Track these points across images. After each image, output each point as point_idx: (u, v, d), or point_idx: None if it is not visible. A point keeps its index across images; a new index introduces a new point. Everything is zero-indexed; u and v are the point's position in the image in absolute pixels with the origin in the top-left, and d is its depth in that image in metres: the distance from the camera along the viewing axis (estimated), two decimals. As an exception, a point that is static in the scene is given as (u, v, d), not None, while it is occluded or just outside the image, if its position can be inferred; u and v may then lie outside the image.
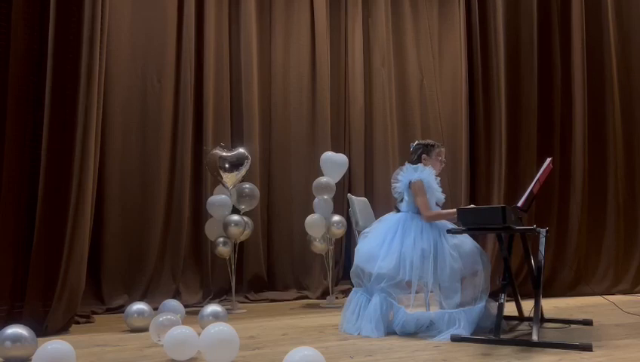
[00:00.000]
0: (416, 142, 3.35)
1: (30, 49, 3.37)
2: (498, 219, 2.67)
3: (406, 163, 3.28)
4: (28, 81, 3.37)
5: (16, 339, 2.55)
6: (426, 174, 3.15)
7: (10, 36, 3.31)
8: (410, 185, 3.14)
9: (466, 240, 3.05)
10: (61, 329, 3.27)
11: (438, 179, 3.24)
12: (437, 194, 3.19)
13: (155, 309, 3.55)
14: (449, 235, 3.01)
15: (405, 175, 3.18)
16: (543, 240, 2.89)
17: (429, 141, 3.34)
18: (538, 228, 2.88)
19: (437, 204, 3.22)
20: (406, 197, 3.19)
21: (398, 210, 3.24)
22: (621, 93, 4.62)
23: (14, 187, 3.29)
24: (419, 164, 3.21)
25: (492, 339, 2.69)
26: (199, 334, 2.48)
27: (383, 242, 3.08)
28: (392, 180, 3.26)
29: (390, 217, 3.24)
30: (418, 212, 3.13)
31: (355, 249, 3.24)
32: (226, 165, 4.11)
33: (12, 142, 3.29)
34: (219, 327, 2.40)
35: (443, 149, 3.32)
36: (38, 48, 3.38)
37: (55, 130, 3.31)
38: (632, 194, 4.57)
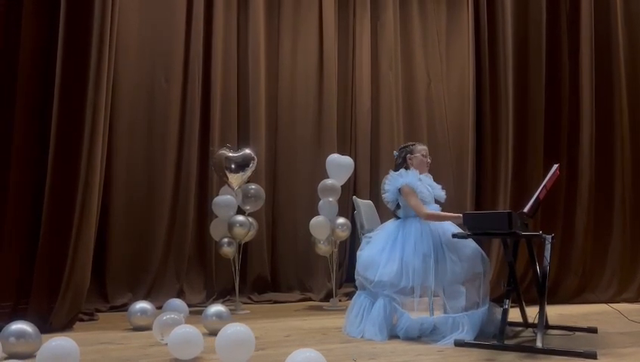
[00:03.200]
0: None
1: (39, 48, 3.40)
2: (504, 224, 2.67)
3: (390, 171, 3.33)
4: (37, 80, 3.39)
5: (20, 335, 2.56)
6: (411, 177, 3.18)
7: (21, 35, 3.33)
8: (399, 191, 3.17)
9: (467, 243, 3.05)
10: (65, 327, 3.28)
11: (429, 176, 3.28)
12: (436, 192, 3.23)
13: (159, 308, 3.56)
14: (449, 239, 3.00)
15: (391, 183, 3.22)
16: (548, 246, 2.88)
17: (407, 143, 3.46)
18: (544, 235, 2.87)
19: (437, 201, 3.24)
20: (401, 203, 3.21)
21: (398, 217, 3.26)
22: (629, 98, 4.59)
23: (21, 185, 3.32)
24: (401, 170, 3.26)
25: (496, 345, 2.68)
26: (202, 334, 2.49)
27: (383, 249, 3.09)
28: (381, 191, 3.30)
29: (390, 224, 3.27)
30: (415, 215, 3.14)
31: (357, 255, 3.26)
32: (232, 166, 4.12)
33: (20, 140, 3.32)
34: (236, 328, 2.40)
35: (425, 147, 3.38)
36: (47, 47, 3.41)
37: (63, 128, 3.33)
38: (638, 202, 4.53)
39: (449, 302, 2.94)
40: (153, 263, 4.42)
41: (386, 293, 2.98)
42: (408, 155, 3.31)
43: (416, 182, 3.17)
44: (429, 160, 3.36)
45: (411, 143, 3.41)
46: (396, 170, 3.31)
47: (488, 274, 3.02)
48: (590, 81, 4.45)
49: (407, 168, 3.28)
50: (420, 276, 2.94)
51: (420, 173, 3.27)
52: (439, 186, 3.30)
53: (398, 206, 3.24)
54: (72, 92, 3.36)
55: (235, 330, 2.38)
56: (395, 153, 3.41)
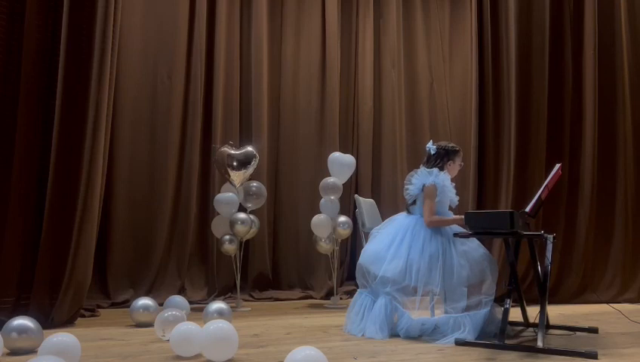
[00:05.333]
0: (432, 143, 3.26)
1: (43, 46, 3.40)
2: (506, 224, 2.66)
3: (421, 166, 3.24)
4: (40, 77, 3.39)
5: (22, 331, 2.57)
6: (441, 179, 3.11)
7: (24, 34, 3.33)
8: (423, 188, 3.11)
9: (475, 247, 3.03)
10: (67, 322, 3.30)
11: (453, 183, 3.21)
12: (451, 196, 3.16)
13: (160, 305, 3.57)
14: (458, 242, 2.99)
15: (420, 178, 3.14)
16: (550, 246, 2.88)
17: (452, 146, 3.26)
18: (545, 234, 2.86)
19: (450, 207, 3.18)
20: (419, 201, 3.15)
21: (409, 212, 3.22)
22: (632, 100, 4.58)
23: (24, 181, 3.32)
24: (434, 169, 3.16)
25: (496, 344, 2.68)
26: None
27: (390, 244, 3.06)
28: (405, 182, 3.22)
29: (401, 219, 3.20)
30: None
31: (363, 248, 3.23)
32: (234, 163, 4.12)
33: (23, 136, 3.32)
34: (217, 324, 2.41)
35: (462, 153, 3.29)
36: (50, 44, 3.41)
37: (65, 125, 3.34)
38: (641, 203, 4.54)
39: (450, 304, 2.92)
40: (155, 260, 4.43)
41: (387, 291, 2.96)
42: (450, 163, 3.19)
43: (443, 188, 3.10)
44: (462, 166, 3.30)
45: (455, 148, 3.24)
46: (428, 165, 3.20)
47: (495, 277, 2.99)
48: (593, 81, 4.45)
49: (441, 169, 3.17)
50: (424, 277, 2.91)
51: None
52: (454, 191, 3.20)
53: (414, 201, 3.18)
54: (74, 89, 3.36)
55: (217, 327, 2.39)
56: (430, 146, 3.22)
